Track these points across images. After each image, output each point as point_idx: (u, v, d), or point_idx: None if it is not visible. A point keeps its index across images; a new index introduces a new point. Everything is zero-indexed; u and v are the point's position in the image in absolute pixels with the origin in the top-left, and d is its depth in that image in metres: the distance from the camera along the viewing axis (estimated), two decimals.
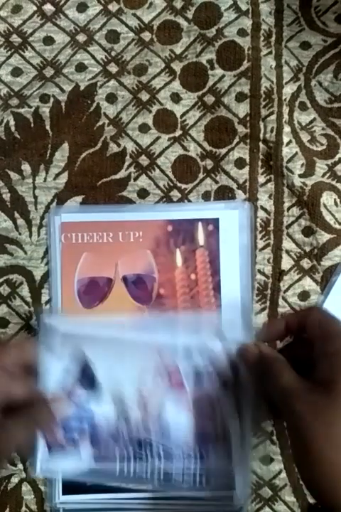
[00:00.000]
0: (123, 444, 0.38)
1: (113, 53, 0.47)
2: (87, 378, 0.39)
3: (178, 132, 0.46)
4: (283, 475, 0.42)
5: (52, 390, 0.38)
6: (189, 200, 0.45)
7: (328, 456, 0.31)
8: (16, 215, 0.45)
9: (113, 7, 0.47)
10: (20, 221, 0.45)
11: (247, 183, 0.45)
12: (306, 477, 0.33)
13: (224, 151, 0.45)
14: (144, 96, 0.46)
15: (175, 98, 0.46)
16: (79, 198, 0.45)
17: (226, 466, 0.38)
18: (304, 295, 0.44)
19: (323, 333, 0.34)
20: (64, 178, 0.46)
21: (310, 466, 0.31)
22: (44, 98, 0.46)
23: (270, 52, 0.46)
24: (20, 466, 0.43)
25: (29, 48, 0.47)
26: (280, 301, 0.44)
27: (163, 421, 0.38)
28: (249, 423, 0.38)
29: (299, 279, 0.44)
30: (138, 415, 0.38)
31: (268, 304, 0.44)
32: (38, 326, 0.43)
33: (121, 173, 0.46)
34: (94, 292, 0.44)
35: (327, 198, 0.44)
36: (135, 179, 0.45)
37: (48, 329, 0.39)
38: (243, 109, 0.45)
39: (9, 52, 0.47)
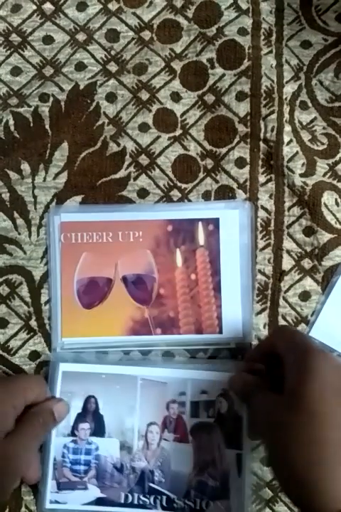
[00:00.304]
0: (126, 476, 0.41)
1: (113, 52, 0.47)
2: (92, 414, 0.42)
3: (178, 131, 0.46)
4: None
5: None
6: (189, 200, 0.45)
7: (295, 462, 0.31)
8: (16, 214, 0.45)
9: (113, 6, 0.47)
10: (20, 221, 0.45)
11: (248, 183, 0.45)
12: (283, 487, 0.33)
13: (224, 150, 0.45)
14: (144, 95, 0.46)
15: (175, 97, 0.46)
16: (78, 198, 0.45)
17: None
18: (305, 295, 0.44)
19: (287, 347, 0.35)
20: (63, 177, 0.45)
21: (281, 474, 0.32)
22: (43, 97, 0.46)
23: (270, 51, 0.46)
24: None
25: (28, 47, 0.47)
26: (281, 302, 0.44)
27: (165, 467, 0.40)
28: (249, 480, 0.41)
29: (300, 279, 0.44)
30: (142, 461, 0.41)
31: (268, 304, 0.44)
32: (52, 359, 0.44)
33: (121, 173, 0.45)
34: (93, 292, 0.44)
35: (328, 198, 0.44)
36: (135, 179, 0.45)
37: (58, 370, 0.42)
38: (243, 108, 0.45)
39: (8, 52, 0.47)
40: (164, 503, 0.40)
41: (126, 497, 0.40)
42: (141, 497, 0.40)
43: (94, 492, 0.40)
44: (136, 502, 0.40)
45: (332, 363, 0.32)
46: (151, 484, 0.40)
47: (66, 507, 0.40)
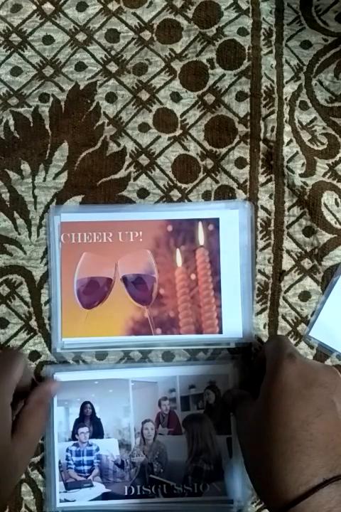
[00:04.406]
0: (127, 471, 0.43)
1: (113, 52, 0.47)
2: (89, 418, 0.43)
3: (178, 132, 0.46)
4: None
5: (57, 432, 0.43)
6: (189, 200, 0.45)
7: (257, 456, 0.33)
8: (16, 214, 0.45)
9: (113, 6, 0.47)
10: (20, 221, 0.45)
11: (247, 183, 0.45)
12: (251, 480, 0.35)
13: (224, 150, 0.45)
14: (144, 95, 0.46)
15: (175, 97, 0.46)
16: (78, 198, 0.45)
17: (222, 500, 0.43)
18: (305, 295, 0.44)
19: (269, 354, 0.37)
20: (63, 177, 0.45)
21: (248, 467, 0.35)
22: (43, 97, 0.46)
23: (270, 52, 0.46)
24: None
25: (28, 47, 0.47)
26: (281, 302, 0.44)
27: (162, 459, 0.43)
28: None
29: (300, 279, 0.44)
30: (141, 456, 0.43)
31: (268, 304, 0.44)
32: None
33: (121, 173, 0.45)
34: (93, 292, 0.44)
35: (327, 198, 0.44)
36: (135, 179, 0.45)
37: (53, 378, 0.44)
38: (243, 108, 0.45)
39: (9, 52, 0.47)
40: (165, 491, 0.43)
41: (130, 489, 0.43)
42: (143, 488, 0.43)
43: (99, 488, 0.43)
44: (138, 493, 0.43)
45: (296, 368, 0.34)
46: (151, 475, 0.43)
47: (75, 504, 0.43)
